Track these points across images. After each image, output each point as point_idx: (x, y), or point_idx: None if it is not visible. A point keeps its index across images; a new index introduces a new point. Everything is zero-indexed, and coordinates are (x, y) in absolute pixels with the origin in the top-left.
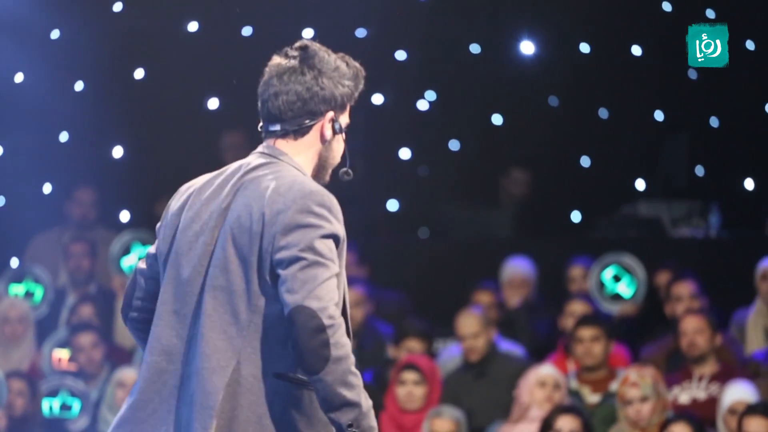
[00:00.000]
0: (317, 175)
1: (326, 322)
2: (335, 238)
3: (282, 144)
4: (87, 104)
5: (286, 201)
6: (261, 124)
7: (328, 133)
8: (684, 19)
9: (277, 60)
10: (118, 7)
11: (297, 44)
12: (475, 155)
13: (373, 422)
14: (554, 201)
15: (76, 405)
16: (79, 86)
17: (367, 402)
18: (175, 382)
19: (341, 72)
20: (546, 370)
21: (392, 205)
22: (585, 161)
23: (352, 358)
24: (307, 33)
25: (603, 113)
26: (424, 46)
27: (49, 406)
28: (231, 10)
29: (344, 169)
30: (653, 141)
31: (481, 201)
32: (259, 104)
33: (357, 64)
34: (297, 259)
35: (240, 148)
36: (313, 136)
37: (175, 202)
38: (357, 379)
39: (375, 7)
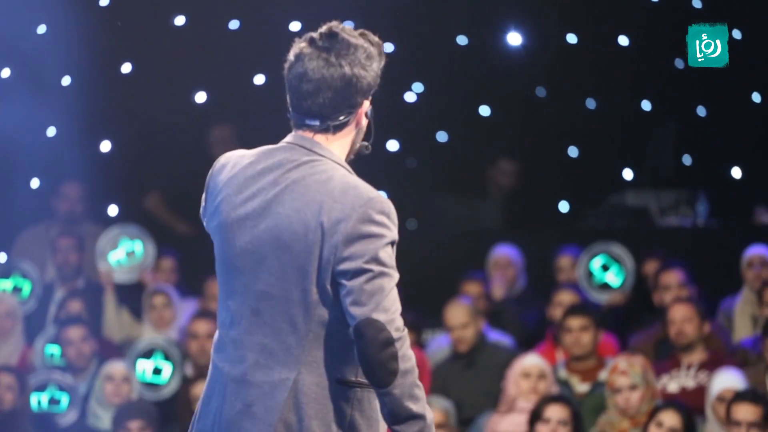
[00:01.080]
0: (346, 157)
1: (394, 335)
2: (395, 244)
3: (321, 138)
4: (74, 99)
5: (345, 208)
6: (292, 112)
7: (363, 121)
8: (670, 9)
9: (306, 48)
10: (105, 1)
11: (324, 30)
12: (463, 147)
13: None
14: (542, 191)
15: (64, 399)
16: (66, 81)
17: (430, 414)
18: (225, 381)
19: (371, 56)
20: (530, 361)
21: None
22: (573, 151)
23: (417, 371)
24: (294, 26)
25: (590, 103)
26: (411, 38)
27: (38, 400)
28: (218, 4)
29: (364, 143)
30: (640, 131)
31: (469, 192)
32: (290, 93)
33: (377, 39)
34: (363, 271)
35: (228, 141)
36: (350, 127)
37: (224, 176)
38: (421, 392)
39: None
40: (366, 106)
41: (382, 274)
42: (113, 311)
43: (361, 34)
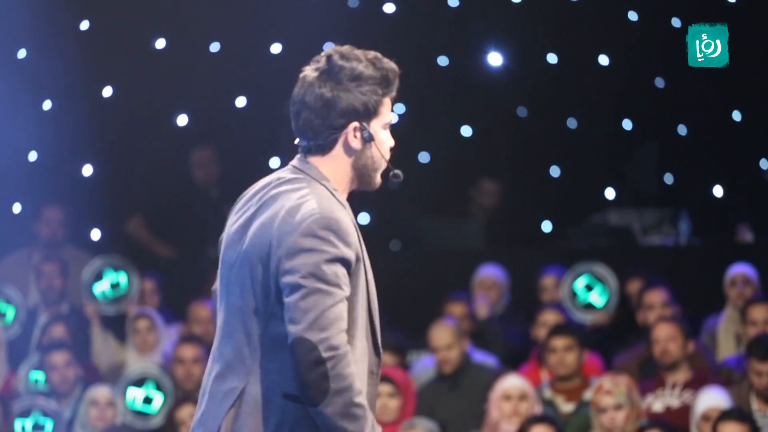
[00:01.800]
0: (360, 183)
1: (325, 354)
2: (343, 262)
3: (313, 159)
4: (55, 123)
5: (293, 222)
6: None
7: (356, 143)
8: (650, 29)
9: (304, 72)
10: (85, 25)
11: (323, 53)
12: (445, 167)
13: None
14: (524, 211)
15: (48, 425)
16: (47, 105)
17: None
18: (201, 392)
19: (363, 78)
20: (510, 382)
21: (363, 218)
22: (555, 171)
23: (356, 390)
24: (275, 48)
25: (571, 123)
26: (392, 59)
27: (22, 426)
28: (198, 27)
29: (393, 171)
30: (622, 150)
31: (452, 212)
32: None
33: (388, 64)
34: (298, 287)
35: (209, 164)
36: (339, 149)
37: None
38: (360, 410)
39: (342, 20)
40: (353, 128)
41: (318, 291)
42: (99, 338)
43: (369, 59)
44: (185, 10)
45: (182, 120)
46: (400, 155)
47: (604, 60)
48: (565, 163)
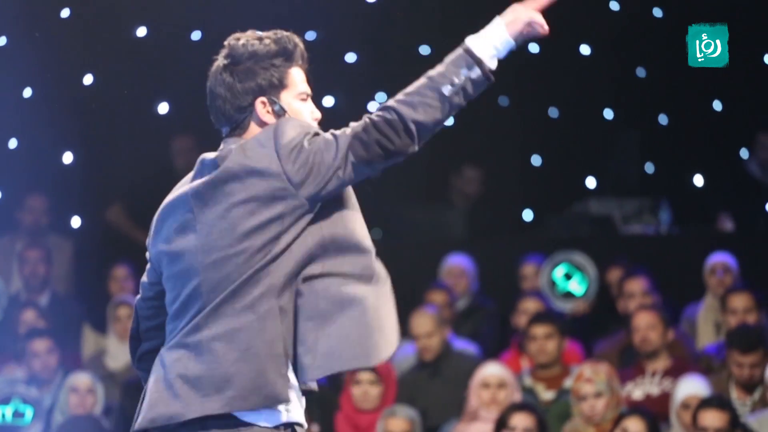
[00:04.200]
0: None
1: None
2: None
3: (232, 140)
4: (36, 110)
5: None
6: None
7: (268, 117)
8: (631, 18)
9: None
10: (65, 12)
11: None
12: (427, 155)
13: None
14: (506, 200)
15: (28, 412)
16: (27, 92)
17: None
18: None
19: (260, 55)
20: (489, 370)
21: None
22: (536, 160)
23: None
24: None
25: (553, 112)
26: (374, 48)
27: (2, 413)
28: (179, 15)
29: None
30: (603, 139)
31: (434, 200)
32: None
33: (279, 35)
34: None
35: (190, 152)
36: (254, 126)
37: None
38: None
39: (324, 9)
40: (260, 103)
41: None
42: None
43: (259, 38)
44: None
45: (163, 108)
46: None
47: (585, 49)
48: (546, 152)
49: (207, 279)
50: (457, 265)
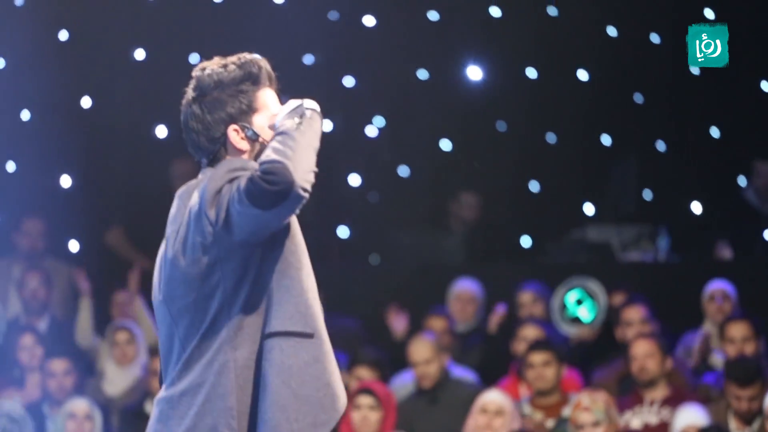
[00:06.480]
0: None
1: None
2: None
3: (208, 171)
4: (34, 133)
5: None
6: None
7: (242, 144)
8: (628, 44)
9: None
10: (64, 35)
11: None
12: (425, 181)
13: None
14: (504, 226)
15: None
16: (25, 115)
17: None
18: None
19: (225, 83)
20: (489, 397)
21: (343, 231)
22: (534, 186)
23: None
24: None
25: (551, 138)
26: (372, 72)
27: None
28: (178, 38)
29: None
30: (601, 165)
31: (432, 226)
32: None
33: (243, 59)
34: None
35: (189, 176)
36: (231, 154)
37: None
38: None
39: (322, 33)
40: (232, 130)
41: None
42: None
43: (223, 65)
44: (164, 21)
45: (161, 131)
46: (380, 169)
47: (583, 75)
48: (544, 178)
49: (179, 329)
50: (467, 290)
